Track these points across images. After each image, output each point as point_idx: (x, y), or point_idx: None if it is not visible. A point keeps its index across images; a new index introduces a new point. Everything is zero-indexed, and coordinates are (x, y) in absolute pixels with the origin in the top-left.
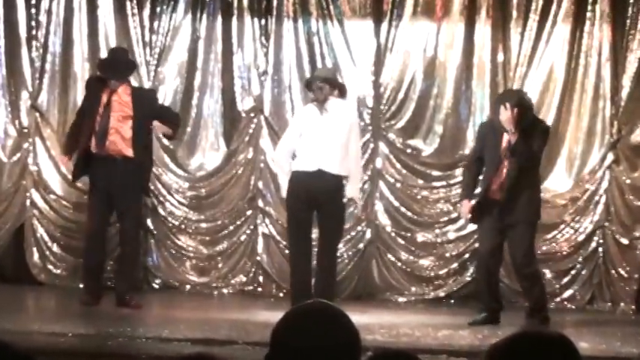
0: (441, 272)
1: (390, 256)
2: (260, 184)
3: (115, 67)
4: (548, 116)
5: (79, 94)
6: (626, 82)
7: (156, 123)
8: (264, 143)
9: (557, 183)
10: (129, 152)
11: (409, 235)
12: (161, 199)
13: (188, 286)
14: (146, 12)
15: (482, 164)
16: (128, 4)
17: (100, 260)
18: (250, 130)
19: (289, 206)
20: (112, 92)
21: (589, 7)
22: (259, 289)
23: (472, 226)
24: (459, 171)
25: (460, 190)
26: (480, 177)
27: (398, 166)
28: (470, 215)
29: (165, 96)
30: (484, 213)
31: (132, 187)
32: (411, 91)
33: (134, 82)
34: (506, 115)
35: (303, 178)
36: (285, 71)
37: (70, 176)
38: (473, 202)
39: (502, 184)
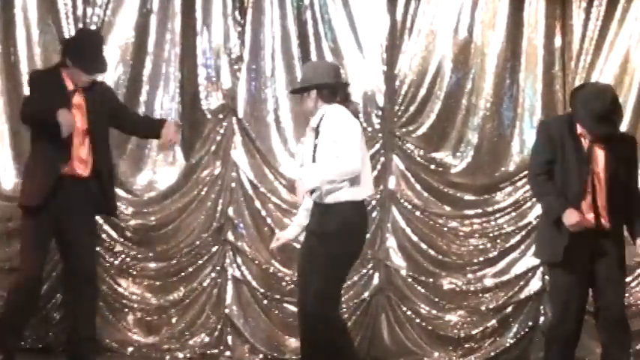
0: (474, 332)
1: (405, 308)
2: (230, 211)
3: (101, 56)
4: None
5: None
6: None
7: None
8: (237, 155)
9: None
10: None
11: (431, 280)
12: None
13: (130, 348)
14: None
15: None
16: None
17: (33, 314)
18: (218, 137)
19: (355, 243)
20: (81, 92)
21: None
22: (227, 352)
23: (518, 269)
24: (500, 195)
25: (548, 201)
26: None
27: (418, 187)
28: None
29: None
30: (568, 251)
31: (91, 212)
32: (437, 87)
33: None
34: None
35: (365, 209)
36: (267, 58)
37: None
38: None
39: (596, 207)
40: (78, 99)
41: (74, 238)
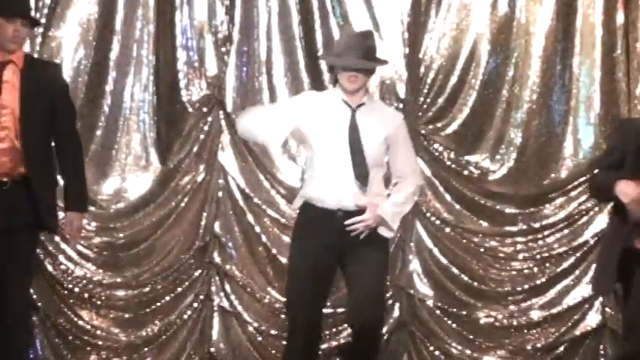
0: None
1: (432, 348)
2: (217, 227)
3: None
4: None
5: None
6: None
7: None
8: (225, 158)
9: None
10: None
11: (465, 313)
12: (50, 248)
13: None
14: None
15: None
16: None
17: None
18: (201, 136)
19: None
20: (15, 66)
21: None
22: None
23: (572, 299)
24: (550, 208)
25: (599, 180)
26: None
27: (447, 198)
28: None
29: None
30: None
31: (26, 225)
32: (471, 74)
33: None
34: None
35: None
36: (262, 38)
37: None
38: None
39: None
40: (9, 75)
41: None
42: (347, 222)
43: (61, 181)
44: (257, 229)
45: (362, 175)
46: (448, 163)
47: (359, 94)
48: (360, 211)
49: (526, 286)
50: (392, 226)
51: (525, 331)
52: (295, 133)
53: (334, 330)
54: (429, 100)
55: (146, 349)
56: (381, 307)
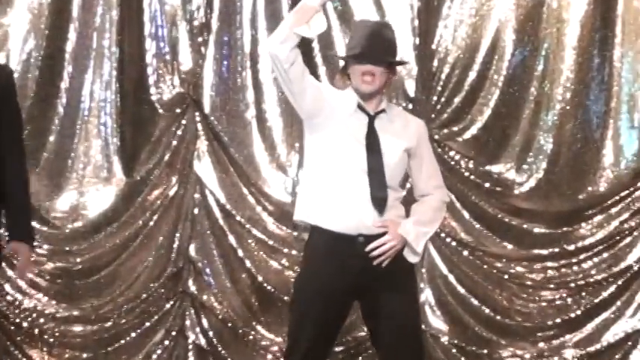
0: None
1: None
2: (192, 249)
3: None
4: None
5: None
6: None
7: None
8: (202, 168)
9: None
10: None
11: (486, 352)
12: None
13: None
14: None
15: None
16: None
17: None
18: (174, 142)
19: None
20: None
21: None
22: None
23: (612, 335)
24: (586, 227)
25: None
26: None
27: (465, 215)
28: None
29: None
30: None
31: None
32: (493, 69)
33: None
34: None
35: None
36: (245, 26)
37: None
38: None
39: None
40: None
41: None
42: (369, 247)
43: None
44: (240, 252)
45: (379, 198)
46: (466, 174)
47: (376, 98)
48: (381, 235)
49: (558, 320)
50: (416, 249)
51: None
52: (312, 108)
53: None
54: (443, 99)
55: None
56: (422, 343)
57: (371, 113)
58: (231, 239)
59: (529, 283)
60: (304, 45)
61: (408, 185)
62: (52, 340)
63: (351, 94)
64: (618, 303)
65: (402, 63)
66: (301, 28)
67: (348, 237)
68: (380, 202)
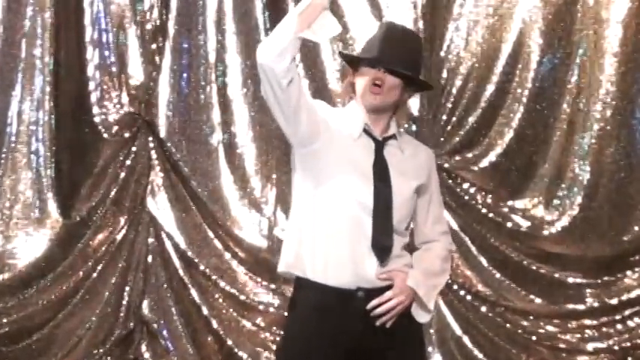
0: None
1: None
2: (145, 307)
3: None
4: None
5: None
6: None
7: None
8: (157, 206)
9: None
10: None
11: None
12: None
13: None
14: None
15: None
16: None
17: None
18: (122, 174)
19: None
20: None
21: None
22: None
23: None
24: (633, 276)
25: None
26: None
27: (483, 261)
28: None
29: None
30: None
31: None
32: (515, 80)
33: None
34: None
35: None
36: (209, 30)
37: None
38: None
39: None
40: None
41: None
42: (371, 304)
43: None
44: (204, 310)
45: (383, 245)
46: (484, 210)
47: (384, 119)
48: (385, 287)
49: None
50: (428, 305)
51: None
52: (308, 134)
53: None
54: (454, 119)
55: None
56: None
57: (379, 138)
58: (194, 294)
59: (563, 345)
60: None
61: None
62: None
63: (357, 113)
64: None
65: (424, 85)
66: (307, 32)
67: (345, 292)
68: (383, 250)
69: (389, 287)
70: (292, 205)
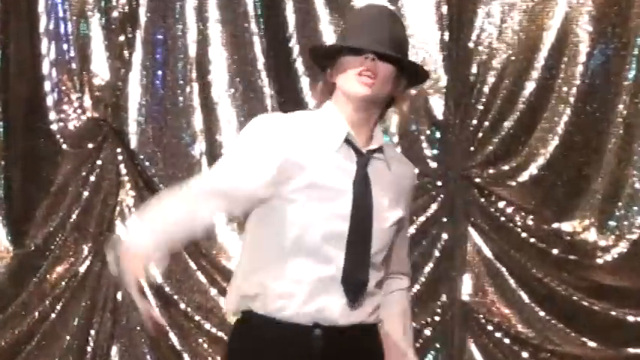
0: None
1: None
2: (114, 353)
3: None
4: None
5: None
6: None
7: None
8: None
9: None
10: None
11: None
12: None
13: None
14: None
15: None
16: None
17: None
18: (85, 193)
19: None
20: None
21: None
22: None
23: None
24: None
25: None
26: None
27: (522, 296)
28: None
29: None
30: None
31: None
32: (560, 76)
33: None
34: None
35: None
36: (189, 17)
37: None
38: None
39: None
40: None
41: None
42: None
43: None
44: (186, 357)
45: (357, 280)
46: (523, 235)
47: (371, 121)
48: (348, 327)
49: None
50: None
51: None
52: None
53: None
54: (487, 123)
55: None
56: None
57: (362, 150)
58: (173, 338)
59: None
60: (273, 50)
61: None
62: None
63: (336, 117)
64: None
65: (419, 76)
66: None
67: (300, 328)
68: (357, 286)
69: (352, 327)
70: (246, 232)
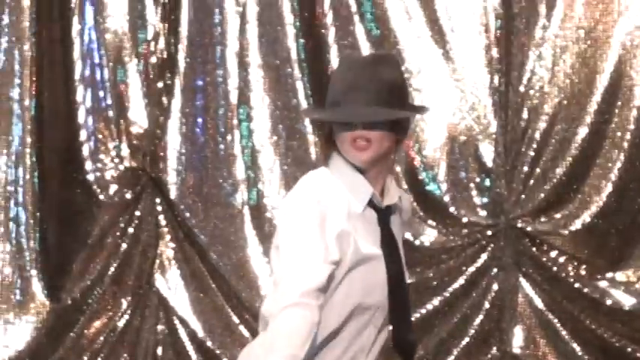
0: None
1: None
2: None
3: None
4: None
5: None
6: None
7: None
8: (167, 285)
9: None
10: None
11: None
12: None
13: None
14: None
15: None
16: None
17: None
18: (124, 245)
19: None
20: None
21: None
22: None
23: None
24: None
25: None
26: None
27: (576, 348)
28: None
29: None
30: None
31: None
32: (613, 121)
33: None
34: None
35: None
36: (230, 61)
37: None
38: None
39: None
40: None
41: None
42: None
43: None
44: None
45: (408, 342)
46: (576, 285)
47: (383, 172)
48: None
49: None
50: None
51: None
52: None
53: None
54: (538, 170)
55: None
56: None
57: (381, 206)
58: None
59: None
60: (322, 92)
61: None
62: None
63: (358, 181)
64: None
65: (413, 110)
66: None
67: None
68: (410, 348)
69: None
70: None
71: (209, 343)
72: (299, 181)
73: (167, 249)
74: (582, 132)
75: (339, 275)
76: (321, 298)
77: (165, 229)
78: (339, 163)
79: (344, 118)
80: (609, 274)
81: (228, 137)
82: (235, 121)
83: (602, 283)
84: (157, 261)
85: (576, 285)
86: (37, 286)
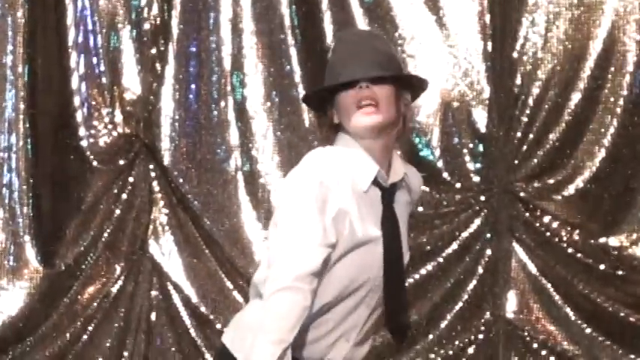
0: None
1: None
2: None
3: None
4: None
5: None
6: None
7: None
8: (161, 250)
9: None
10: None
11: None
12: None
13: None
14: None
15: None
16: None
17: None
18: (117, 211)
19: None
20: None
21: None
22: None
23: None
24: None
25: None
26: None
27: (569, 313)
28: None
29: None
30: None
31: None
32: (606, 87)
33: None
34: None
35: None
36: (224, 27)
37: None
38: None
39: None
40: None
41: None
42: None
43: None
44: None
45: (401, 326)
46: (569, 250)
47: (388, 151)
48: None
49: None
50: None
51: None
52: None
53: None
54: (532, 136)
55: None
56: None
57: (386, 185)
58: (209, 359)
59: None
60: (315, 58)
61: None
62: None
63: (363, 158)
64: None
65: (418, 85)
66: None
67: None
68: (403, 330)
69: None
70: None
71: (203, 309)
72: (303, 158)
73: (161, 215)
74: (575, 97)
75: (334, 256)
76: (315, 283)
77: (159, 195)
78: (344, 141)
79: (350, 76)
80: (602, 239)
81: (222, 103)
82: (229, 88)
83: (596, 248)
84: (151, 227)
85: (569, 250)
86: (30, 252)
